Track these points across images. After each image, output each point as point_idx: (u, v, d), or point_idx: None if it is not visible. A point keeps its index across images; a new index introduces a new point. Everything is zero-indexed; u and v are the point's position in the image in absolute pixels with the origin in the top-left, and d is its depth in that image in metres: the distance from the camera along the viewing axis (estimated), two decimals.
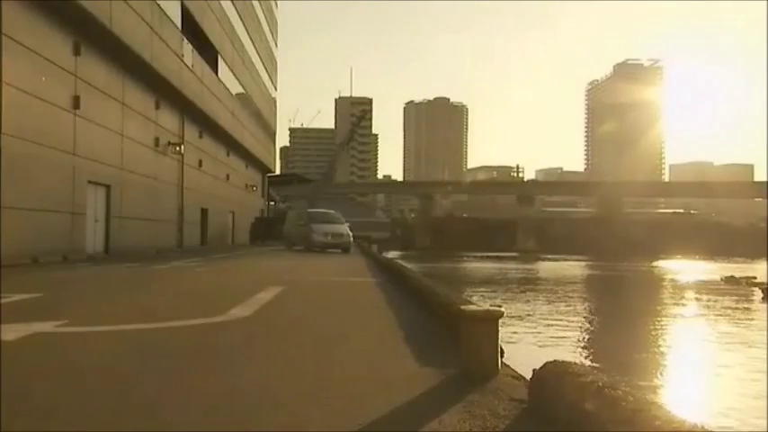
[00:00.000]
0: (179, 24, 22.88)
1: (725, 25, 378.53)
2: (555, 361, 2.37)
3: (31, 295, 6.45)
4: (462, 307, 3.04)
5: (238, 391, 2.68)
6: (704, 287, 24.97)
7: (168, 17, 21.48)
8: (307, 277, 10.81)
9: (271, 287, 7.73)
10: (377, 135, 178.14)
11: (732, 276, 27.57)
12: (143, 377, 2.95)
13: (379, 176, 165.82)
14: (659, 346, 11.54)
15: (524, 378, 2.88)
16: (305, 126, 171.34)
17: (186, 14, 23.71)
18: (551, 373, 2.32)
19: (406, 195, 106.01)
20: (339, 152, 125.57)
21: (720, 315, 16.37)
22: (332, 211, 27.26)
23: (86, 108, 16.46)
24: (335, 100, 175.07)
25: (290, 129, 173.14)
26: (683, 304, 19.63)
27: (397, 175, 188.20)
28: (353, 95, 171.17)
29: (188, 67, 24.06)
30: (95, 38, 16.52)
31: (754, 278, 25.77)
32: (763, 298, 19.94)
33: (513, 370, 3.10)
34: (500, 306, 3.07)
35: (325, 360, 3.48)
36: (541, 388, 2.33)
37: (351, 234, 24.59)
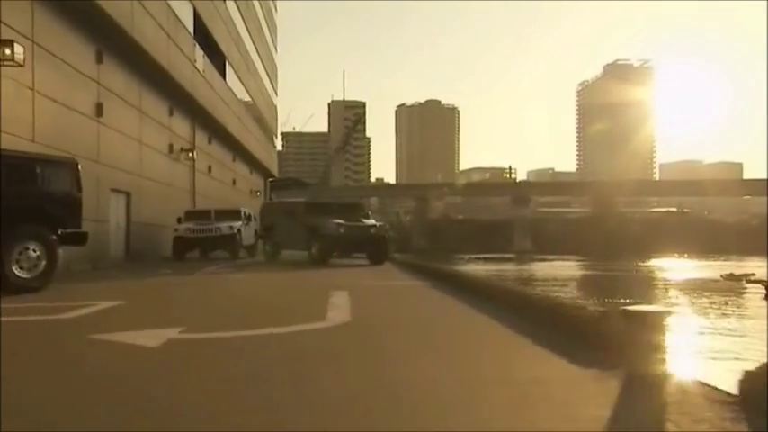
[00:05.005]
0: (191, 30, 22.90)
1: (713, 25, 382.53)
2: None
3: (114, 303, 6.47)
4: (629, 308, 3.12)
5: (368, 391, 2.78)
6: (708, 285, 25.36)
7: (182, 23, 21.50)
8: (353, 282, 10.60)
9: (336, 291, 7.76)
10: (369, 138, 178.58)
11: (731, 274, 28.04)
12: (289, 380, 3.03)
13: (372, 179, 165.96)
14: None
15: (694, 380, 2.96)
16: (297, 130, 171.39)
17: (198, 20, 23.74)
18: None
19: (402, 198, 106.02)
20: (335, 156, 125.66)
21: (733, 311, 16.68)
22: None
23: (108, 115, 16.48)
24: (329, 104, 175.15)
25: (282, 133, 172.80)
26: (697, 302, 19.86)
27: (390, 178, 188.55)
28: (345, 99, 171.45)
29: (200, 72, 24.06)
30: (117, 45, 16.54)
31: (753, 275, 26.27)
32: (766, 295, 20.22)
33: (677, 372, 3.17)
34: (667, 307, 3.15)
35: (471, 363, 3.55)
36: (755, 388, 2.39)
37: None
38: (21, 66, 11.38)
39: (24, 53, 11.41)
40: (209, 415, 2.46)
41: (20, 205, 7.88)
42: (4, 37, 11.26)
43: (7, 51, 10.99)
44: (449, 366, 3.47)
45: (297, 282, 10.91)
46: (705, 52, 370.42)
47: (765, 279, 22.94)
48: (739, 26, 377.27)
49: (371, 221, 17.75)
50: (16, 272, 7.69)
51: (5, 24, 11.65)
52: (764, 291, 20.99)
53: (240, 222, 20.24)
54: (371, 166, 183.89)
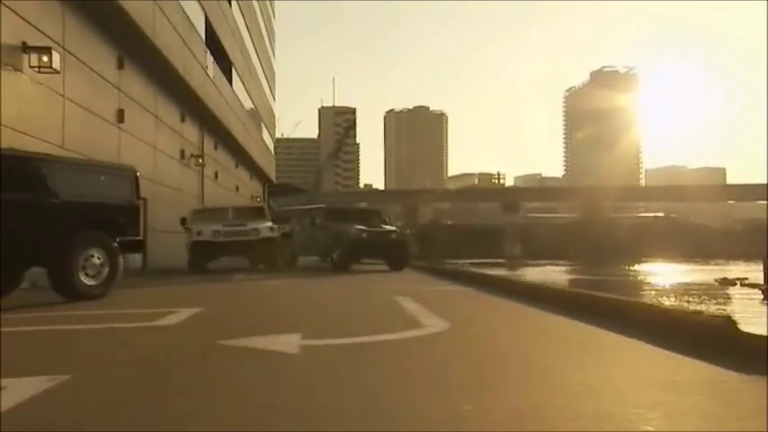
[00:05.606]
0: (203, 36, 22.89)
1: (701, 31, 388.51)
2: None
3: (195, 309, 6.45)
4: None
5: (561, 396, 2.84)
6: (706, 289, 25.71)
7: (195, 28, 21.48)
8: (399, 287, 10.32)
9: (398, 297, 7.79)
10: (359, 144, 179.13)
11: (725, 278, 28.26)
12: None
13: (361, 185, 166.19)
14: None
15: None
16: (286, 136, 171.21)
17: (209, 25, 23.74)
18: None
19: (390, 203, 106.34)
20: (326, 162, 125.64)
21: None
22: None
23: (128, 121, 16.42)
24: (319, 110, 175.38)
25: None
26: (703, 305, 20.12)
27: (377, 184, 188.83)
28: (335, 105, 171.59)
29: (210, 79, 24.03)
30: (137, 51, 16.49)
31: (746, 279, 26.44)
32: (762, 299, 20.47)
33: None
34: None
35: (620, 368, 3.61)
36: None
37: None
38: (57, 72, 11.34)
39: (60, 60, 11.37)
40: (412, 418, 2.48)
41: (84, 212, 7.89)
42: (39, 44, 11.20)
43: (45, 58, 10.95)
44: (596, 372, 3.49)
45: (346, 288, 10.73)
46: (690, 58, 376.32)
47: (762, 283, 23.25)
48: (727, 32, 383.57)
49: (391, 227, 17.87)
50: (83, 279, 7.67)
51: (40, 31, 11.59)
52: (761, 294, 21.31)
53: (271, 223, 17.29)
54: (360, 172, 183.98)
